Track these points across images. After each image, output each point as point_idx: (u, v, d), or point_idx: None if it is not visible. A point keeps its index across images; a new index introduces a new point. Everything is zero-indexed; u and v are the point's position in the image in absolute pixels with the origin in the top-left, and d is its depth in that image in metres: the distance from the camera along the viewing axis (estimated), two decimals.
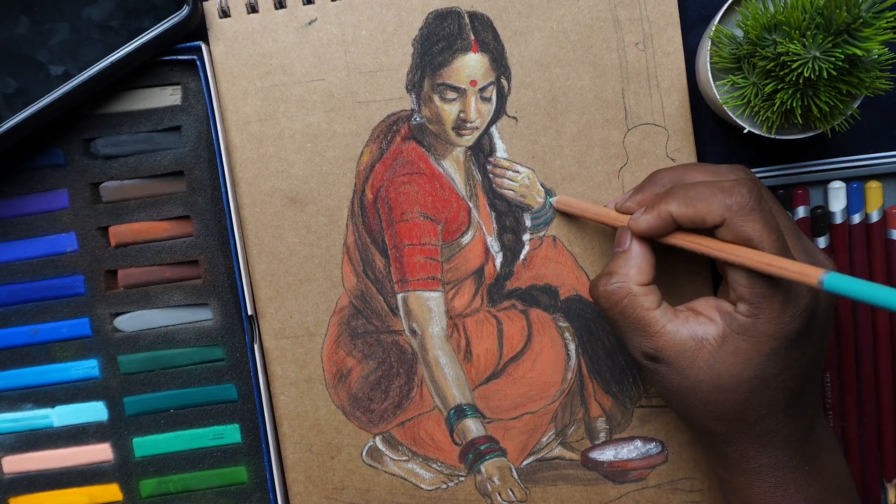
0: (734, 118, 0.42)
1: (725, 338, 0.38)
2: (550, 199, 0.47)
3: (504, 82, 0.47)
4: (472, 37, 0.47)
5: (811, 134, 0.43)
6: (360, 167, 0.48)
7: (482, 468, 0.49)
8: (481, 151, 0.48)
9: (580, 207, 0.46)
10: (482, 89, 0.47)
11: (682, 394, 0.39)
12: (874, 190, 0.47)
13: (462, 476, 0.50)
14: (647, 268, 0.40)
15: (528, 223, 0.48)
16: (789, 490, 0.39)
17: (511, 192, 0.48)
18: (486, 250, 0.48)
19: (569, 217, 0.48)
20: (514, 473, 0.49)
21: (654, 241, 0.40)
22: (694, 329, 0.38)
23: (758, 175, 0.47)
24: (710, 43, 0.42)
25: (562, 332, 0.49)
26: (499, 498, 0.49)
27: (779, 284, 0.36)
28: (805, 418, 0.40)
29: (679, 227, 0.39)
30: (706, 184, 0.38)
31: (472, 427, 0.49)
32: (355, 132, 0.48)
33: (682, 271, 0.47)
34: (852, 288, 0.32)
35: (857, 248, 0.47)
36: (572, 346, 0.49)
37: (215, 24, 0.48)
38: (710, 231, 0.38)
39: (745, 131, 0.43)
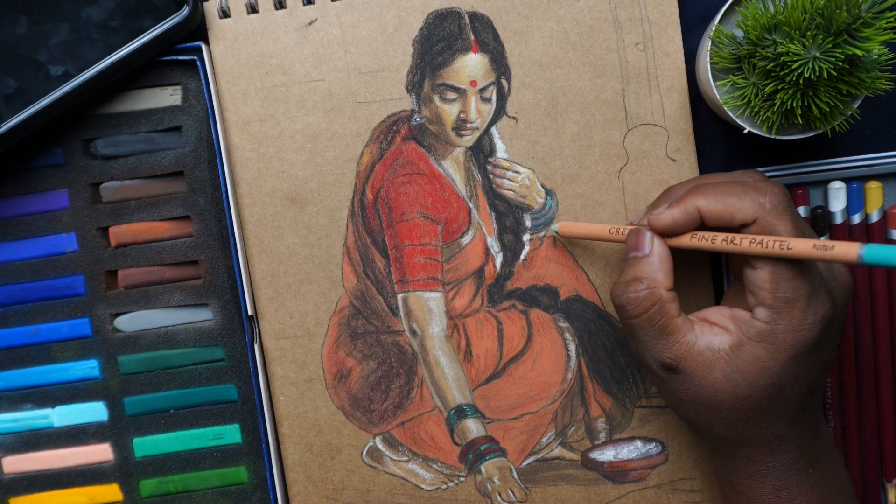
0: (734, 118, 0.42)
1: (741, 347, 0.37)
2: (554, 228, 0.47)
3: (504, 82, 0.47)
4: (472, 37, 0.47)
5: (811, 134, 0.43)
6: (360, 167, 0.48)
7: (482, 468, 0.49)
8: (481, 152, 0.48)
9: (585, 230, 0.45)
10: (482, 89, 0.47)
11: (695, 404, 0.39)
12: (874, 190, 0.47)
13: (462, 476, 0.50)
14: (671, 272, 0.39)
15: (528, 223, 0.48)
16: (792, 492, 0.39)
17: (511, 192, 0.48)
18: (487, 250, 0.48)
19: (570, 218, 0.48)
20: (514, 474, 0.49)
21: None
22: (709, 340, 0.38)
23: None
24: (710, 43, 0.42)
25: (562, 333, 0.49)
26: (499, 498, 0.49)
27: (801, 289, 0.36)
28: (812, 421, 0.40)
29: (699, 226, 0.39)
30: (737, 182, 0.38)
31: (473, 427, 0.49)
32: (355, 132, 0.48)
33: (682, 277, 0.47)
34: (893, 255, 0.32)
35: None
36: (572, 347, 0.49)
37: (215, 25, 0.48)
38: (729, 231, 0.38)
39: (746, 131, 0.43)
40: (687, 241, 0.39)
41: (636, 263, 0.39)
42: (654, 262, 0.39)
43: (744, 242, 0.36)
